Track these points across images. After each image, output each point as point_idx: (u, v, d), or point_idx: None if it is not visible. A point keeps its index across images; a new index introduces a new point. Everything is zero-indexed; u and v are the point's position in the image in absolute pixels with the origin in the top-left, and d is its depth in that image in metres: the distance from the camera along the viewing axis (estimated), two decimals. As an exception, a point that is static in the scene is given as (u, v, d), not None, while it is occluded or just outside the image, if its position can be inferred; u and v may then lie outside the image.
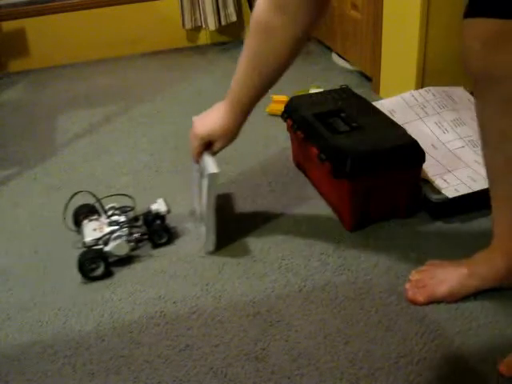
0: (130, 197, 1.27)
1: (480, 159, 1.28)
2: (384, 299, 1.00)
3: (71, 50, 2.44)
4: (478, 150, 1.31)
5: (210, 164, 1.09)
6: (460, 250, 1.09)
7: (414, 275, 1.03)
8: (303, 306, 1.00)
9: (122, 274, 1.12)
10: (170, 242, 1.20)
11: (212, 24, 2.40)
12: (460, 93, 1.50)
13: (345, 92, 1.42)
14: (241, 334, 0.96)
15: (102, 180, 1.49)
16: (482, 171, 1.23)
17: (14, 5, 2.38)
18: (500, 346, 0.89)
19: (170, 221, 1.24)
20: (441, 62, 1.62)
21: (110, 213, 1.21)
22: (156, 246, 1.19)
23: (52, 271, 1.15)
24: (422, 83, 1.63)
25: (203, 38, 2.56)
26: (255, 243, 1.18)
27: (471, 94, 1.53)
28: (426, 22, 1.55)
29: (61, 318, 1.03)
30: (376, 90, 1.86)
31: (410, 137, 1.17)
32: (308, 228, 1.22)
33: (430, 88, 1.50)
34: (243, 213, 1.29)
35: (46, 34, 2.40)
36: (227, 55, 2.42)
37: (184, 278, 1.10)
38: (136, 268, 1.14)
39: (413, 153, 1.15)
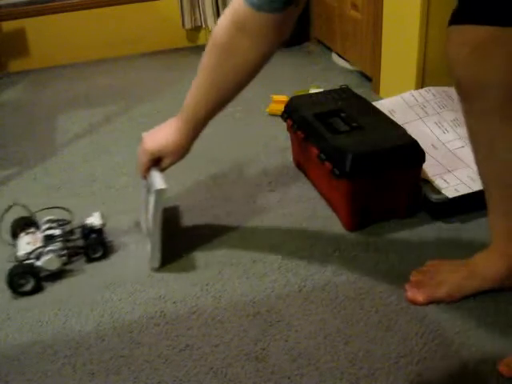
0: (66, 210, 1.24)
1: (480, 159, 1.28)
2: (384, 299, 1.00)
3: (71, 50, 2.45)
4: (478, 150, 1.31)
5: (158, 180, 1.07)
6: (460, 249, 1.09)
7: (414, 275, 1.03)
8: (303, 306, 1.00)
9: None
10: (105, 256, 1.16)
11: (212, 24, 2.40)
12: (460, 93, 1.50)
13: (345, 92, 1.42)
14: (241, 334, 0.95)
15: (101, 180, 1.49)
16: (482, 171, 1.24)
17: (14, 5, 2.39)
18: (500, 346, 0.89)
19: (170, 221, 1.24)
20: (441, 62, 1.61)
21: (45, 226, 1.17)
22: (90, 260, 1.16)
23: None
24: (422, 83, 1.63)
25: (203, 38, 2.56)
26: (255, 243, 1.18)
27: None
28: (426, 21, 1.55)
29: (61, 318, 1.03)
30: (376, 89, 1.86)
31: (410, 137, 1.17)
32: (308, 228, 1.22)
33: (430, 88, 1.50)
34: (243, 213, 1.29)
35: (46, 34, 2.40)
36: (227, 55, 2.42)
37: (184, 278, 1.10)
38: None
39: (413, 153, 1.15)
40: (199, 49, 2.52)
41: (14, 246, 1.17)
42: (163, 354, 0.93)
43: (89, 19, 2.42)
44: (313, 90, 1.77)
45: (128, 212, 1.30)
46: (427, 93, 1.48)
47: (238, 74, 0.95)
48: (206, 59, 0.97)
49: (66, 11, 2.40)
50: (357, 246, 1.15)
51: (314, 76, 2.07)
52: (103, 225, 1.19)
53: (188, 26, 2.45)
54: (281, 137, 1.59)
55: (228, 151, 1.57)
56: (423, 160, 1.16)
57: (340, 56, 2.17)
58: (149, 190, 1.12)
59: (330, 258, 1.12)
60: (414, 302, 0.99)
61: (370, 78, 1.93)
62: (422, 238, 1.15)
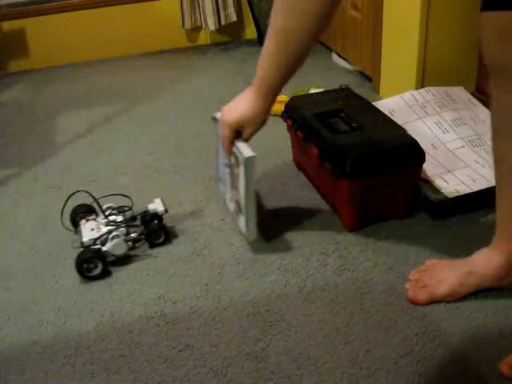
0: (127, 197, 1.28)
1: (480, 159, 1.28)
2: (384, 299, 1.00)
3: (71, 50, 2.45)
4: (478, 149, 1.31)
5: (245, 149, 1.07)
6: (460, 249, 1.09)
7: (414, 275, 1.03)
8: (303, 306, 1.00)
9: (121, 274, 1.12)
10: (167, 241, 1.20)
11: (212, 24, 2.40)
12: (460, 93, 1.50)
13: (345, 92, 1.42)
14: (241, 334, 0.96)
15: (101, 180, 1.49)
16: (482, 171, 1.24)
17: (14, 5, 2.39)
18: (500, 346, 0.89)
19: (168, 221, 1.24)
20: (441, 62, 1.62)
21: (107, 213, 1.21)
22: (153, 245, 1.19)
23: (52, 271, 1.15)
24: (422, 83, 1.63)
25: (203, 38, 2.56)
26: (255, 243, 1.18)
27: (471, 94, 1.53)
28: (426, 21, 1.55)
29: (61, 318, 1.03)
30: (376, 89, 1.86)
31: (410, 137, 1.17)
32: (308, 228, 1.22)
33: (430, 88, 1.50)
34: (243, 213, 1.29)
35: (46, 34, 2.40)
36: (227, 55, 2.42)
37: (184, 277, 1.11)
38: (134, 268, 1.14)
39: (413, 153, 1.15)
40: (199, 49, 2.53)
41: (76, 232, 1.20)
42: (163, 354, 0.93)
43: (89, 19, 2.42)
44: (313, 90, 1.77)
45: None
46: (427, 93, 1.48)
47: (304, 34, 0.95)
48: (272, 21, 0.97)
49: (66, 11, 2.40)
50: (357, 246, 1.15)
51: (313, 76, 2.07)
52: (165, 211, 1.21)
53: (188, 26, 2.45)
54: (281, 137, 1.59)
55: (228, 151, 1.57)
56: (423, 160, 1.16)
57: (340, 56, 2.17)
58: (236, 163, 1.11)
59: (330, 257, 1.12)
60: (414, 302, 0.99)
61: (370, 78, 1.93)
62: (422, 238, 1.15)
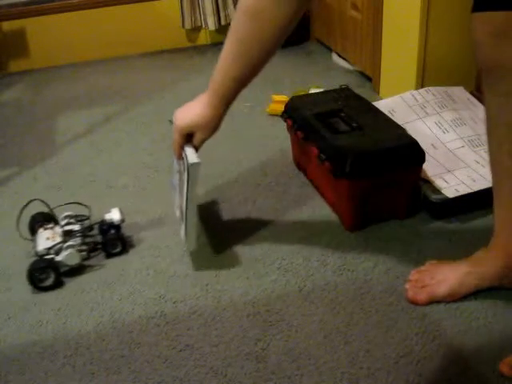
0: (84, 205, 1.25)
1: (480, 159, 1.28)
2: (384, 299, 1.00)
3: (71, 49, 2.44)
4: (478, 149, 1.31)
5: (190, 155, 1.04)
6: (460, 249, 1.09)
7: (414, 275, 1.03)
8: (303, 306, 1.00)
9: (121, 274, 1.12)
10: (123, 251, 1.18)
11: (212, 24, 2.40)
12: (460, 93, 1.50)
13: (345, 92, 1.42)
14: (241, 334, 0.96)
15: (101, 180, 1.49)
16: (482, 171, 1.24)
17: (14, 5, 2.38)
18: (500, 346, 0.89)
19: (169, 220, 1.24)
20: (441, 62, 1.62)
21: (64, 222, 1.19)
22: (110, 255, 1.17)
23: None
24: (422, 83, 1.63)
25: (203, 38, 2.56)
26: (255, 243, 1.18)
27: (471, 93, 1.53)
28: (426, 21, 1.55)
29: (61, 318, 1.03)
30: (376, 89, 1.86)
31: (410, 137, 1.17)
32: (308, 228, 1.22)
33: (430, 88, 1.50)
34: (243, 213, 1.29)
35: (46, 34, 2.40)
36: (227, 55, 2.41)
37: (184, 277, 1.10)
38: (134, 268, 1.14)
39: (413, 153, 1.15)
40: (199, 49, 2.53)
41: (33, 241, 1.18)
42: (163, 354, 0.93)
43: (89, 19, 2.42)
44: (313, 90, 1.77)
45: (129, 212, 1.30)
46: (427, 93, 1.48)
47: (264, 40, 0.94)
48: (233, 27, 0.96)
49: (66, 11, 2.39)
50: (357, 246, 1.15)
51: (313, 76, 2.07)
52: (122, 220, 1.19)
53: (188, 26, 2.44)
54: (281, 137, 1.59)
55: (228, 151, 1.57)
56: (423, 160, 1.16)
57: (340, 56, 2.17)
58: (184, 168, 1.08)
59: (330, 258, 1.12)
60: (414, 302, 0.99)
61: (370, 78, 1.93)
62: (421, 238, 1.15)
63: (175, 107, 1.12)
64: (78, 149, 1.68)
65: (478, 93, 1.59)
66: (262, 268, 1.11)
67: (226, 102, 1.04)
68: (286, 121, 1.39)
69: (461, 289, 0.98)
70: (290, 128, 1.39)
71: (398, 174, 1.16)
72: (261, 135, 1.65)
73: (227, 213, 1.30)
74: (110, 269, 1.14)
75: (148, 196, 1.35)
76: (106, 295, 1.07)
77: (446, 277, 0.99)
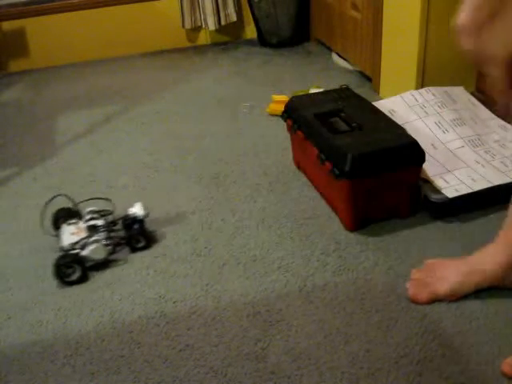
0: (109, 200, 1.27)
1: (480, 159, 1.28)
2: (384, 299, 1.00)
3: (71, 49, 2.45)
4: (478, 149, 1.31)
5: None
6: (460, 249, 1.09)
7: (415, 274, 1.03)
8: (303, 306, 1.00)
9: (121, 274, 1.12)
10: (148, 246, 1.19)
11: (212, 24, 2.40)
12: (460, 93, 1.50)
13: (345, 92, 1.42)
14: (241, 334, 0.96)
15: (101, 180, 1.49)
16: (482, 171, 1.24)
17: (14, 5, 2.39)
18: (500, 345, 0.89)
19: (168, 220, 1.24)
20: (441, 62, 1.62)
21: (88, 217, 1.20)
22: (134, 250, 1.18)
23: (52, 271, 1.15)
24: (422, 83, 1.63)
25: (203, 38, 2.56)
26: (255, 243, 1.18)
27: (471, 94, 1.53)
28: (426, 21, 1.55)
29: (61, 318, 1.03)
30: (376, 89, 1.86)
31: (410, 137, 1.17)
32: (308, 228, 1.22)
33: (430, 88, 1.50)
34: (243, 212, 1.29)
35: (46, 34, 2.40)
36: (227, 55, 2.42)
37: (184, 277, 1.11)
38: (134, 268, 1.14)
39: (413, 153, 1.15)
40: (199, 49, 2.53)
41: (57, 236, 1.19)
42: (163, 353, 0.93)
43: (89, 19, 2.42)
44: (313, 90, 1.77)
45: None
46: (427, 93, 1.48)
47: None
48: None
49: (66, 11, 2.40)
50: (357, 246, 1.15)
51: (314, 76, 2.07)
52: (146, 215, 1.20)
53: (188, 26, 2.45)
54: (281, 137, 1.59)
55: (228, 151, 1.57)
56: (423, 160, 1.16)
57: (340, 56, 2.17)
58: None
59: (330, 257, 1.12)
60: (415, 301, 0.99)
61: (370, 78, 1.93)
62: (422, 238, 1.15)
63: (175, 107, 1.12)
64: (78, 149, 1.68)
65: (478, 93, 1.59)
66: (261, 268, 1.11)
67: None
68: (286, 121, 1.40)
69: (462, 288, 0.98)
70: (290, 128, 1.39)
71: (397, 174, 1.16)
72: (261, 135, 1.65)
73: (227, 212, 1.30)
74: (110, 269, 1.14)
75: (148, 196, 1.35)
76: (106, 295, 1.07)
77: (447, 276, 0.99)
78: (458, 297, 0.98)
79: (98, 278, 1.12)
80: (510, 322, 0.93)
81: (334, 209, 1.26)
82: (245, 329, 0.97)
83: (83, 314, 1.03)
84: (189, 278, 1.10)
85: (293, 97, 1.46)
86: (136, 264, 1.15)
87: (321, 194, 1.33)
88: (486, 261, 0.97)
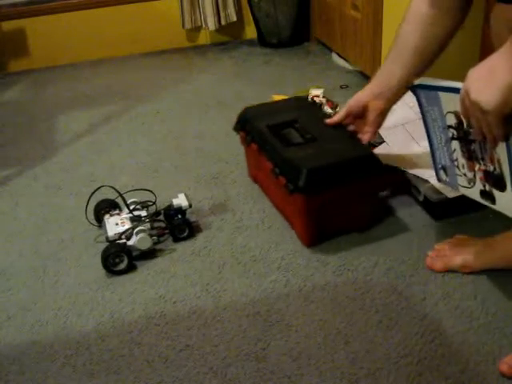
0: (151, 192, 1.29)
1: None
2: (384, 299, 1.00)
3: (71, 49, 2.44)
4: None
5: None
6: (460, 249, 1.09)
7: (439, 245, 1.08)
8: (303, 306, 1.00)
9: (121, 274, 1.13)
10: (190, 236, 1.21)
11: (212, 24, 2.40)
12: (460, 93, 1.50)
13: (300, 101, 1.37)
14: (241, 334, 0.96)
15: (101, 180, 1.49)
16: (482, 171, 1.23)
17: (14, 5, 2.39)
18: (500, 346, 0.89)
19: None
20: (441, 62, 1.62)
21: (131, 207, 1.22)
22: (177, 240, 1.20)
23: (52, 271, 1.15)
24: (421, 83, 1.62)
25: (203, 38, 2.56)
26: (255, 243, 1.18)
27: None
28: (426, 21, 1.55)
29: (61, 318, 1.03)
30: (376, 90, 1.86)
31: (365, 148, 1.14)
32: (308, 228, 1.22)
33: (430, 88, 1.49)
34: (243, 212, 1.29)
35: (46, 34, 2.40)
36: (227, 55, 2.42)
37: (184, 277, 1.11)
38: (134, 268, 1.14)
39: (369, 164, 1.11)
40: (199, 49, 2.53)
41: (101, 227, 1.22)
42: (163, 354, 0.93)
43: (89, 19, 2.42)
44: (313, 90, 1.77)
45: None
46: (427, 93, 1.47)
47: (437, 43, 1.08)
48: (400, 32, 1.07)
49: (66, 11, 2.40)
50: (357, 246, 1.15)
51: (313, 76, 2.07)
52: (189, 206, 1.22)
53: (188, 26, 2.45)
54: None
55: (228, 151, 1.57)
56: (381, 171, 1.12)
57: (340, 56, 2.17)
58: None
59: (330, 258, 1.12)
60: (431, 269, 1.06)
61: (370, 78, 1.92)
62: (421, 238, 1.15)
63: (175, 107, 1.12)
64: (77, 149, 1.68)
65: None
66: (261, 268, 1.11)
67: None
68: (238, 133, 1.34)
69: (475, 262, 1.02)
70: (243, 140, 1.33)
71: (354, 187, 1.11)
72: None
73: (227, 212, 1.30)
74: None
75: (148, 196, 1.35)
76: (106, 295, 1.07)
77: (465, 249, 1.04)
78: (471, 270, 1.03)
79: (99, 278, 1.12)
80: (510, 322, 0.93)
81: (291, 224, 1.21)
82: (245, 329, 0.97)
83: (83, 314, 1.03)
84: (189, 278, 1.10)
85: (246, 107, 1.37)
86: (136, 264, 1.15)
87: (277, 208, 1.28)
88: (503, 242, 1.01)
